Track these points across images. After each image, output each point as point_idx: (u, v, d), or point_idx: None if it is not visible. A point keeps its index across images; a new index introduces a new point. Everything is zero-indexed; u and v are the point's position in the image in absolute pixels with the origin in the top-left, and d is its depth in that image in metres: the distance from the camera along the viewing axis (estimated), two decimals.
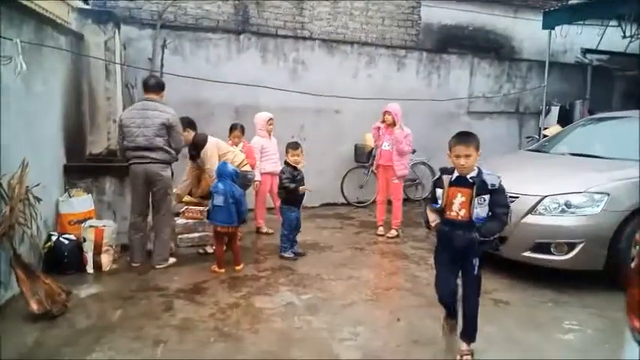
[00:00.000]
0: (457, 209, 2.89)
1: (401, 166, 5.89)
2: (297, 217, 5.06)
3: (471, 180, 2.84)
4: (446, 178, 2.93)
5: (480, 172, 2.86)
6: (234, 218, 4.58)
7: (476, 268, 2.93)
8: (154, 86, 4.64)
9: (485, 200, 2.81)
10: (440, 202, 2.94)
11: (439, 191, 2.95)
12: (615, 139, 5.25)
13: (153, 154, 4.50)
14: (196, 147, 5.02)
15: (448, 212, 2.93)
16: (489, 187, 2.80)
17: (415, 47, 8.26)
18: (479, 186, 2.80)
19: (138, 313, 3.61)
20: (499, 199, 2.84)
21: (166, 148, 4.54)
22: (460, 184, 2.88)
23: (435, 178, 3.06)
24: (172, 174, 4.80)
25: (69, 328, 3.35)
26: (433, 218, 3.04)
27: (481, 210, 2.83)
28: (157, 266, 4.60)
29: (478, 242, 2.85)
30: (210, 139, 5.03)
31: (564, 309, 3.87)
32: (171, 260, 4.75)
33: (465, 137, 2.89)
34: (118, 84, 5.67)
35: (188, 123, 4.97)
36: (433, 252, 3.17)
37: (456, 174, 2.90)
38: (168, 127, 4.52)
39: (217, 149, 5.01)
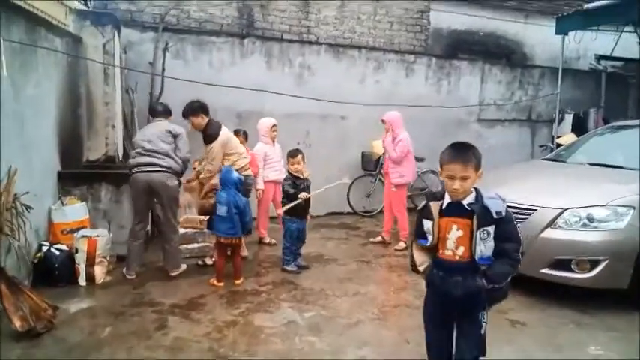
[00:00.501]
0: (453, 247, 2.22)
1: (395, 174, 5.68)
2: (299, 228, 4.81)
3: (468, 208, 2.19)
4: (435, 206, 2.27)
5: (479, 197, 2.21)
6: (238, 229, 4.37)
7: (483, 325, 2.27)
8: (162, 112, 4.79)
9: (489, 234, 2.16)
10: (430, 238, 2.27)
11: (427, 224, 2.27)
12: (636, 149, 4.97)
13: (158, 161, 4.38)
14: (207, 139, 4.79)
15: (441, 251, 2.26)
16: (494, 215, 2.15)
17: (424, 53, 8.04)
18: (480, 215, 2.15)
19: (129, 330, 3.38)
20: (508, 230, 2.20)
21: (172, 154, 4.45)
22: (455, 214, 2.22)
23: (421, 206, 2.36)
24: (180, 184, 4.63)
25: (54, 346, 3.13)
26: (421, 260, 2.35)
27: (485, 247, 2.16)
28: (172, 273, 4.52)
29: (486, 291, 2.19)
30: (221, 133, 4.77)
31: (587, 331, 3.61)
32: (183, 266, 4.65)
33: (462, 153, 2.20)
34: (117, 88, 5.50)
35: (200, 107, 4.77)
36: (423, 305, 2.47)
37: (447, 199, 2.25)
38: (174, 136, 4.52)
39: (224, 148, 4.76)
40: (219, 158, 4.72)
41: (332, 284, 4.46)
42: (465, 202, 2.20)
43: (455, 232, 2.21)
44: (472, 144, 2.27)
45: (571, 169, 5.07)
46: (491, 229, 2.16)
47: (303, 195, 4.69)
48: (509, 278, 2.22)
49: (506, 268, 2.20)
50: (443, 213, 2.24)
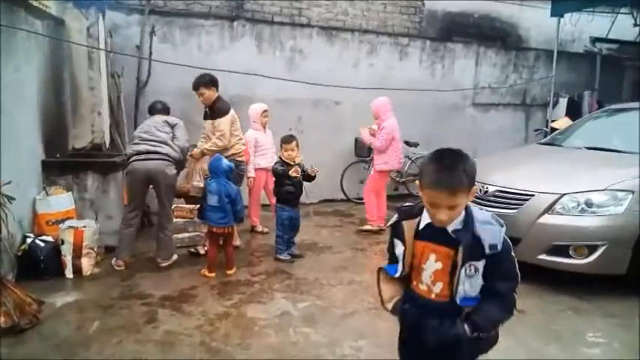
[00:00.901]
0: (429, 281, 1.70)
1: (379, 160, 5.70)
2: (290, 216, 4.69)
3: (453, 235, 1.64)
4: (409, 226, 1.73)
5: (469, 221, 1.64)
6: (230, 218, 4.28)
7: None
8: (160, 110, 4.79)
9: (477, 270, 1.63)
10: (400, 266, 1.74)
11: (400, 247, 1.75)
12: (633, 132, 4.90)
13: (156, 148, 4.29)
14: (215, 113, 4.71)
15: (415, 283, 1.74)
16: (486, 250, 1.60)
17: (418, 35, 7.86)
18: (468, 247, 1.61)
19: (117, 325, 3.27)
20: (504, 266, 1.66)
21: (170, 142, 4.38)
22: (434, 239, 1.68)
23: (392, 221, 1.81)
24: (178, 173, 4.53)
25: (39, 343, 3.02)
26: (390, 294, 1.79)
27: (471, 285, 1.64)
28: (162, 264, 4.42)
29: (469, 340, 1.64)
30: (230, 113, 4.74)
31: (585, 318, 3.57)
32: (175, 257, 4.55)
33: (450, 177, 1.56)
34: (102, 73, 5.33)
35: (211, 81, 4.70)
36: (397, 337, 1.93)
37: (426, 219, 1.70)
38: (171, 126, 4.50)
39: (231, 125, 4.71)
40: (228, 134, 4.65)
41: (326, 273, 4.38)
42: (449, 228, 1.64)
43: (432, 264, 1.68)
44: (463, 153, 1.64)
45: (568, 154, 4.99)
46: (480, 264, 1.62)
47: (295, 170, 4.56)
48: (500, 326, 1.70)
49: (499, 314, 1.66)
50: (419, 235, 1.71)
